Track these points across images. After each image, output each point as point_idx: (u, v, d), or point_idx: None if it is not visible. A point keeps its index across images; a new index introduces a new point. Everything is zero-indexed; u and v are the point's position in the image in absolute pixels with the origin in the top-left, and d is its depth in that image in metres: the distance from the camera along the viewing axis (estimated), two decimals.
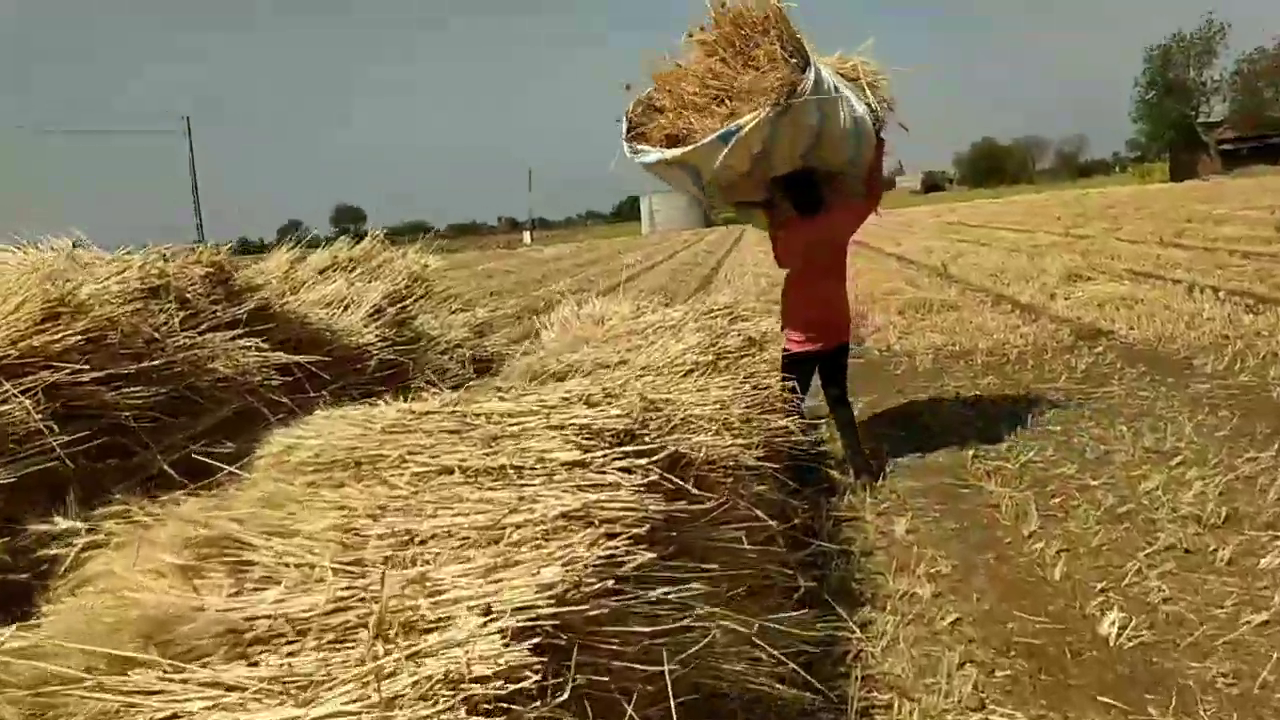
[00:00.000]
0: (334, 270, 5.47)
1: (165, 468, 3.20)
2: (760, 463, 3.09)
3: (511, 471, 2.06)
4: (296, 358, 3.91)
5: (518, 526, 1.91)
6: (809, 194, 4.72)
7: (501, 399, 2.33)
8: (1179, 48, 55.53)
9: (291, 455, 2.31)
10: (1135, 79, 57.24)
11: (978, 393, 6.63)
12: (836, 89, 4.34)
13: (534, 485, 2.06)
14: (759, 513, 2.62)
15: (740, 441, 2.89)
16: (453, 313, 6.05)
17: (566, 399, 2.27)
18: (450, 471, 2.13)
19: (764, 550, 2.73)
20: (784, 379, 4.18)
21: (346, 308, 4.90)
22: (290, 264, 5.16)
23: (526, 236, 65.61)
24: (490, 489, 2.07)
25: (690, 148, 4.21)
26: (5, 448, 2.73)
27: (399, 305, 5.49)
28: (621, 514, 1.97)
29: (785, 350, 4.74)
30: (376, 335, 4.73)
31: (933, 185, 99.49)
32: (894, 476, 4.78)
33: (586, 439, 2.14)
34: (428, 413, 2.34)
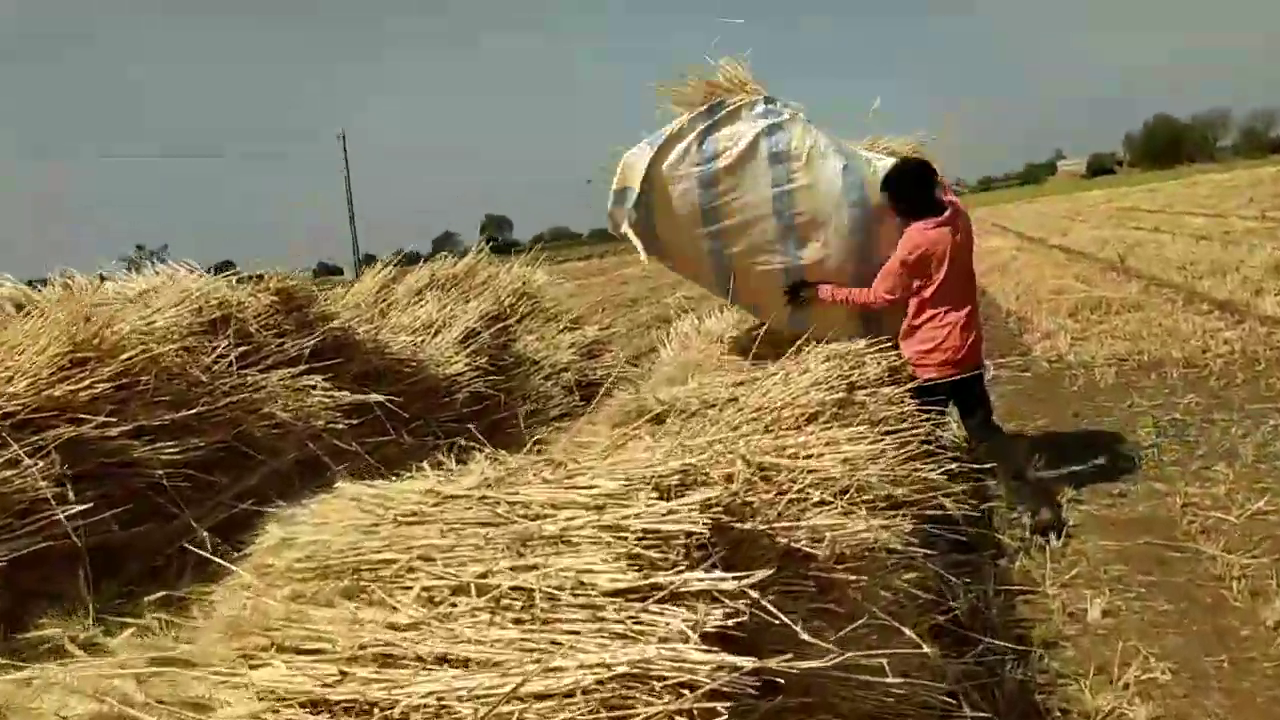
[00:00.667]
0: (431, 290, 5.06)
1: (205, 536, 2.80)
2: (909, 541, 2.36)
3: (542, 600, 1.46)
4: (365, 397, 3.47)
5: (538, 698, 1.30)
6: (925, 190, 3.93)
7: (546, 481, 1.74)
8: None
9: (282, 555, 1.79)
10: None
11: (1177, 415, 5.54)
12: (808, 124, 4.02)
13: (573, 619, 1.45)
14: (909, 631, 1.91)
15: (880, 520, 2.18)
16: (561, 331, 5.53)
17: (629, 485, 1.65)
18: (466, 591, 1.55)
19: (911, 676, 2.01)
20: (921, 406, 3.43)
21: (436, 333, 4.46)
22: (382, 285, 4.77)
23: None
24: (515, 622, 1.47)
25: (621, 163, 4.05)
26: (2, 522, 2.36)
27: (499, 326, 5.04)
28: (692, 677, 1.33)
29: (915, 377, 3.88)
30: (467, 363, 4.26)
31: (1100, 169, 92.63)
32: (1079, 531, 3.90)
33: (649, 547, 1.51)
34: (454, 497, 1.78)
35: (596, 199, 4.19)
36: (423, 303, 4.70)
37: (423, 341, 4.31)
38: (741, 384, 3.22)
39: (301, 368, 3.37)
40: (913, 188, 3.92)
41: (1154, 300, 9.58)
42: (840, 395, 2.80)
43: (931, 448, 3.15)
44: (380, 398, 3.57)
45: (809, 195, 3.95)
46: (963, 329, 3.95)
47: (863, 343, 3.60)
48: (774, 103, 4.01)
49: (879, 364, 3.34)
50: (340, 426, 3.32)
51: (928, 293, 3.91)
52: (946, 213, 3.92)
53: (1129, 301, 9.47)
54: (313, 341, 3.54)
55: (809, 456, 2.40)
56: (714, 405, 3.07)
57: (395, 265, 5.52)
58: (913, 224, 3.92)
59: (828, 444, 2.45)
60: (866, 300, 4.01)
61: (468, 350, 4.41)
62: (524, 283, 5.66)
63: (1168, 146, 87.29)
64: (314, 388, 3.37)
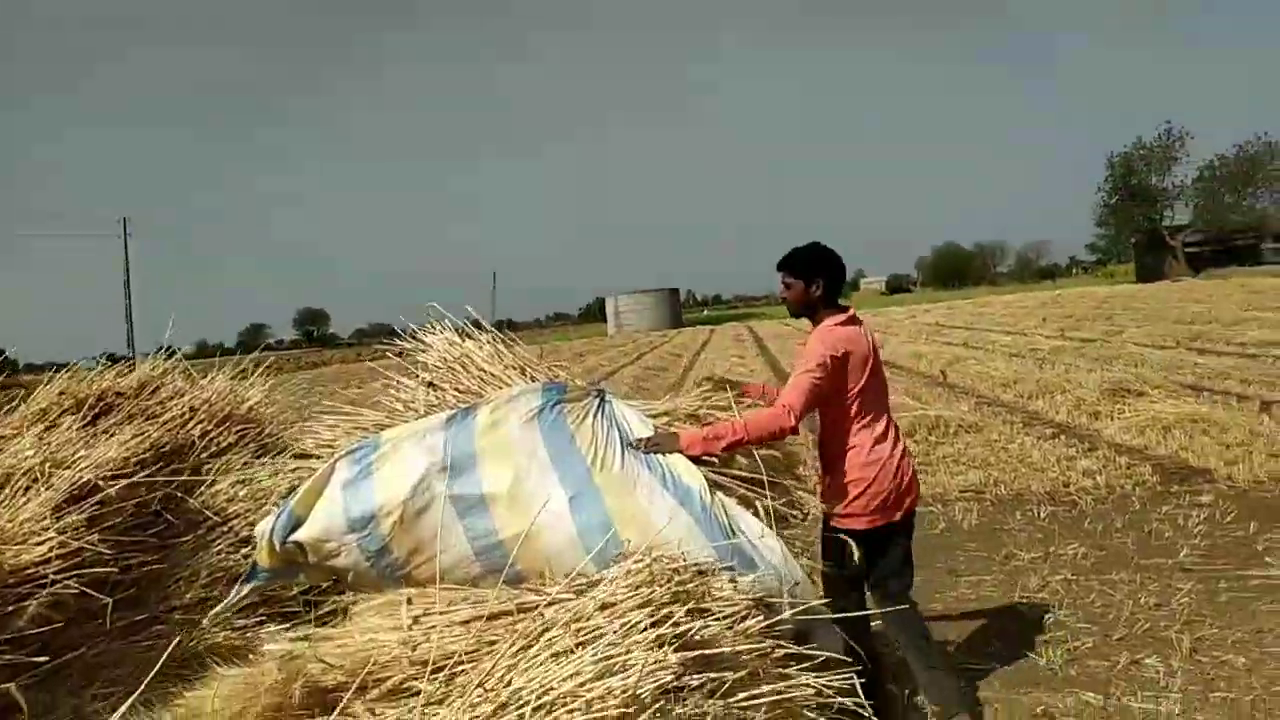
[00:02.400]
0: (66, 415, 3.32)
1: None
2: None
3: None
4: None
5: None
6: (840, 281, 3.06)
7: None
8: (1140, 155, 55.58)
9: None
10: (1098, 185, 57.12)
11: (1068, 575, 4.54)
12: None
13: None
14: None
15: None
16: (277, 472, 3.86)
17: None
18: None
19: None
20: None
21: (25, 490, 2.74)
22: None
23: None
24: None
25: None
26: None
27: (167, 469, 3.36)
28: None
29: (837, 528, 2.93)
30: (58, 544, 2.55)
31: (897, 287, 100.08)
32: None
33: None
34: None
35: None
36: (18, 439, 2.96)
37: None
38: (500, 619, 1.75)
39: None
40: (834, 269, 3.01)
41: (990, 421, 8.97)
42: (668, 675, 1.38)
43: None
44: None
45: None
46: (900, 461, 2.96)
47: (705, 547, 2.12)
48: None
49: (732, 581, 1.93)
50: None
51: (849, 409, 2.91)
52: (851, 311, 3.04)
53: (966, 422, 8.80)
54: None
55: None
56: (431, 674, 1.58)
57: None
58: (819, 324, 3.00)
59: None
60: (769, 426, 2.65)
61: (79, 518, 2.72)
62: (230, 401, 4.00)
63: (954, 270, 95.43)
64: None
